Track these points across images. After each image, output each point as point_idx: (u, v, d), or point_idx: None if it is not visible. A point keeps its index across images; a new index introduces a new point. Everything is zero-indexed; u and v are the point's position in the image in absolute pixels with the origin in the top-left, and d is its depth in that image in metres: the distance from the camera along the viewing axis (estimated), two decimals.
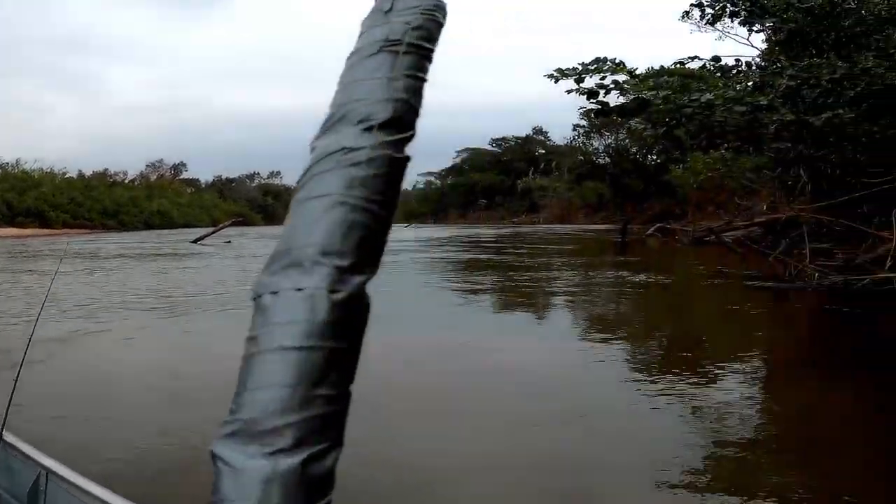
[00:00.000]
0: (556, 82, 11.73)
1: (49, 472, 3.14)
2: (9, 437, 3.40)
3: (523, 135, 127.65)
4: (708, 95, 11.81)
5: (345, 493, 0.75)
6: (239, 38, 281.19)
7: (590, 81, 11.64)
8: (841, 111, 11.63)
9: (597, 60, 11.72)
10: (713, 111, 11.63)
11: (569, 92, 11.71)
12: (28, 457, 3.28)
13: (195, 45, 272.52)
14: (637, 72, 11.88)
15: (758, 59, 17.54)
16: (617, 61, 11.74)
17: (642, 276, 24.07)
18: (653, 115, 12.03)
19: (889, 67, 11.90)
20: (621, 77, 11.77)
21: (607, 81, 11.70)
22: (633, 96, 11.73)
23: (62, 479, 3.06)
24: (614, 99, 11.92)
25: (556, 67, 11.77)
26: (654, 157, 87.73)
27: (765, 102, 11.82)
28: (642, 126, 14.02)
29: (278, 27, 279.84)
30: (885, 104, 11.83)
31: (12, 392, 3.42)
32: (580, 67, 11.69)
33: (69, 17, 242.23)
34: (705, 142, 11.80)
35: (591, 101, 11.71)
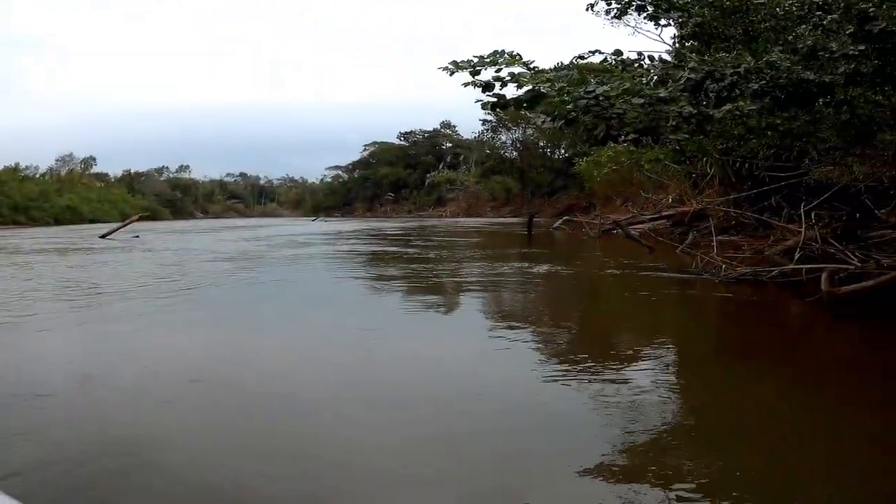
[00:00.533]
0: (451, 75, 11.58)
1: None
2: None
3: (431, 129, 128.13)
4: (604, 87, 11.73)
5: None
6: (148, 31, 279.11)
7: (487, 74, 11.45)
8: (742, 103, 11.65)
9: (493, 53, 11.60)
10: (611, 103, 11.53)
11: (465, 85, 11.52)
12: None
13: (106, 39, 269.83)
14: (533, 64, 11.73)
15: (664, 55, 17.52)
16: (514, 54, 11.61)
17: (547, 267, 24.08)
18: (549, 108, 11.89)
19: (796, 62, 11.95)
20: (517, 69, 11.61)
21: (503, 74, 11.52)
22: (529, 88, 11.59)
23: None
24: (512, 91, 11.77)
25: (451, 60, 11.59)
26: (562, 152, 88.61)
27: (664, 95, 11.78)
28: (541, 119, 13.91)
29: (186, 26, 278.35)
30: (790, 97, 11.85)
31: None
32: (475, 60, 11.52)
33: None
34: (602, 134, 11.62)
35: (487, 93, 11.53)
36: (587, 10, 17.75)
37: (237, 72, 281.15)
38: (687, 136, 12.41)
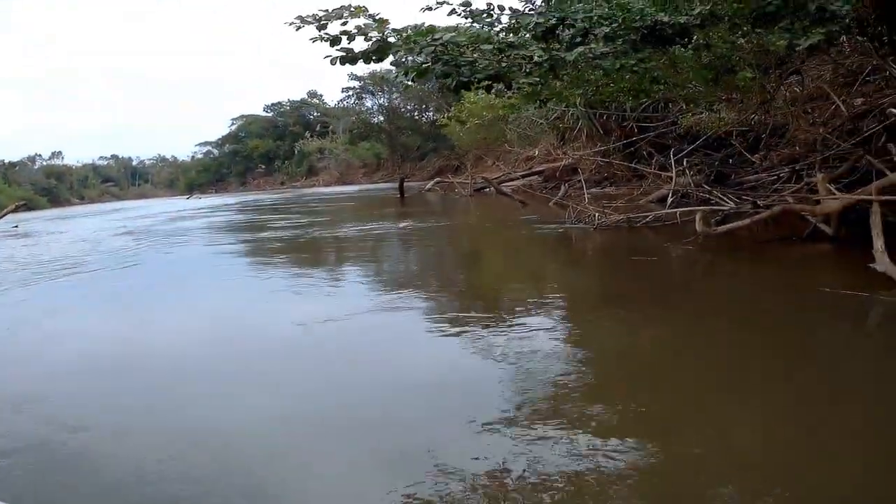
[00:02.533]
0: (297, 30, 11.34)
1: None
2: None
3: (298, 99, 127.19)
4: (451, 34, 11.65)
5: None
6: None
7: (335, 29, 11.26)
8: (594, 45, 11.64)
9: (339, 7, 11.40)
10: (460, 52, 11.45)
11: (313, 40, 11.32)
12: None
13: None
14: (379, 16, 11.57)
15: (517, 4, 17.50)
16: (359, 6, 11.43)
17: (422, 227, 24.19)
18: (396, 57, 11.78)
19: (650, 4, 11.99)
20: (363, 21, 11.44)
21: (350, 27, 11.34)
22: (376, 40, 11.43)
23: None
24: (361, 45, 11.61)
25: (297, 15, 11.38)
26: (430, 115, 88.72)
27: (514, 40, 11.75)
28: (394, 73, 13.79)
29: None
30: (644, 39, 11.86)
31: None
32: (321, 14, 11.31)
33: None
34: (454, 83, 11.52)
35: (335, 48, 11.34)
36: None
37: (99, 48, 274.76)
38: (539, 80, 12.33)
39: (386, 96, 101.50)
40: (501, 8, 12.81)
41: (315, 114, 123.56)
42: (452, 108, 53.36)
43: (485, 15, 12.64)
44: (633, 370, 7.25)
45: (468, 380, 7.19)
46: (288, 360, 8.46)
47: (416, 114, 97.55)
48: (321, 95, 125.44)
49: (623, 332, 8.83)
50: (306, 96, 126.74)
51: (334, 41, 11.31)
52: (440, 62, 11.43)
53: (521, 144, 42.30)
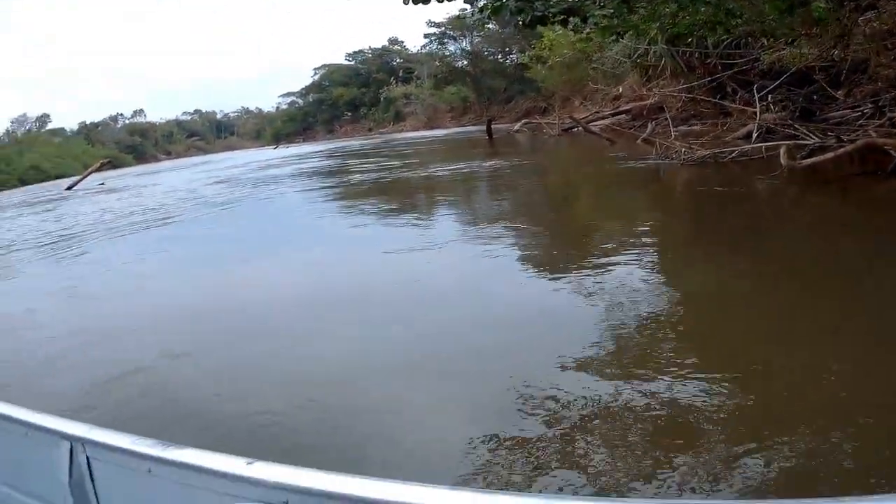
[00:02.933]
0: None
1: (85, 442, 2.47)
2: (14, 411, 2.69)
3: (380, 46, 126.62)
4: None
5: None
6: None
7: None
8: None
9: None
10: None
11: None
12: (54, 432, 2.55)
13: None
14: None
15: None
16: None
17: (511, 167, 24.36)
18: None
19: None
20: None
21: None
22: None
23: (104, 446, 2.42)
24: None
25: None
26: (514, 57, 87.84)
27: None
28: (470, 13, 13.95)
29: None
30: None
31: None
32: None
33: None
34: (529, 18, 11.73)
35: None
36: None
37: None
38: (613, 12, 12.50)
39: (468, 40, 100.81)
40: None
41: (398, 60, 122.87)
42: (534, 48, 53.14)
43: None
44: (714, 311, 7.43)
45: (557, 315, 7.59)
46: (382, 297, 9.07)
47: (499, 56, 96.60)
48: (402, 42, 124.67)
49: (709, 271, 9.04)
50: (387, 43, 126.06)
51: None
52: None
53: (607, 83, 42.16)
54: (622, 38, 24.25)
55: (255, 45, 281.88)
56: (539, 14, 11.76)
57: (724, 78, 24.87)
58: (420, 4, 11.93)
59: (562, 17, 12.13)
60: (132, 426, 2.41)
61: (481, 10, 12.42)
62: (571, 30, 16.59)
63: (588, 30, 15.89)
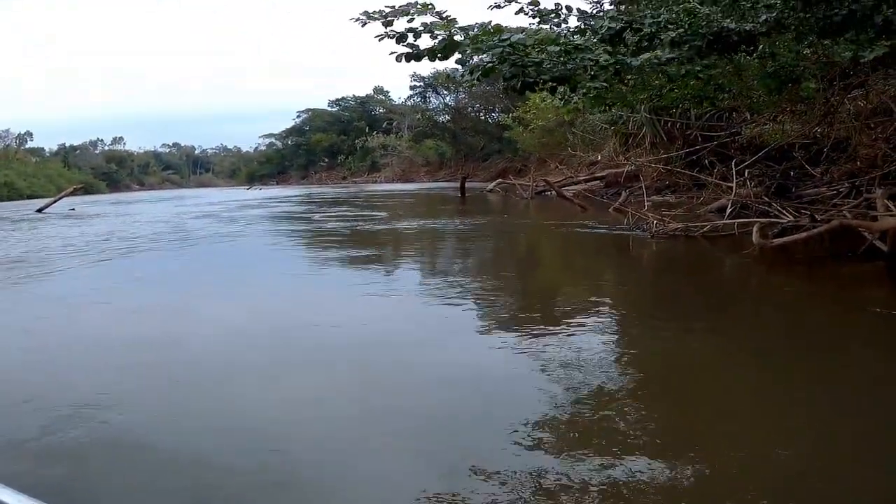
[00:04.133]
0: (363, 25, 11.42)
1: None
2: None
3: (364, 94, 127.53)
4: (519, 35, 11.71)
5: None
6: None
7: (401, 26, 11.31)
8: (660, 52, 11.65)
9: (405, 4, 11.44)
10: (527, 52, 11.49)
11: (379, 38, 11.36)
12: None
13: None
14: (446, 14, 11.60)
15: (584, 6, 17.51)
16: (426, 3, 11.45)
17: (481, 228, 24.31)
18: (463, 57, 11.82)
19: (716, 10, 11.99)
20: (430, 19, 11.47)
21: (416, 24, 11.38)
22: (443, 38, 11.47)
23: None
24: (426, 42, 11.64)
25: (363, 11, 11.42)
26: (495, 116, 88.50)
27: (581, 43, 11.76)
28: (460, 73, 13.88)
29: None
30: (710, 45, 11.86)
31: None
32: (388, 10, 11.36)
33: None
34: (519, 84, 11.56)
35: (401, 44, 11.39)
36: None
37: (170, 47, 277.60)
38: (604, 84, 12.32)
39: (451, 95, 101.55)
40: (569, 9, 12.83)
41: (381, 110, 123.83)
42: (518, 110, 53.38)
43: (552, 16, 12.66)
44: (673, 382, 7.27)
45: (510, 381, 7.25)
46: (334, 351, 8.59)
47: (481, 114, 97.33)
48: (388, 92, 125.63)
49: (669, 342, 8.80)
50: (372, 92, 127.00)
51: (400, 38, 11.39)
52: (507, 62, 11.48)
53: (585, 149, 42.20)
54: (611, 109, 24.31)
55: (256, 45, 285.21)
56: (530, 80, 11.55)
57: (704, 151, 24.75)
58: (412, 61, 11.70)
59: (552, 84, 11.91)
60: None
61: (471, 71, 12.20)
62: (560, 99, 16.50)
63: (576, 99, 15.82)
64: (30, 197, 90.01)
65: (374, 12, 11.28)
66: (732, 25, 11.69)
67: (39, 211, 43.98)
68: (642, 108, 25.96)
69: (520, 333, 9.07)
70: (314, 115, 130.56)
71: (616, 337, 9.21)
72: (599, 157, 39.79)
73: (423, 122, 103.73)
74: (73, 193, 56.02)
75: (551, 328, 9.36)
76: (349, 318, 10.46)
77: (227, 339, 9.28)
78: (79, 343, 9.37)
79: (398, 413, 6.46)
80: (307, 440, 5.95)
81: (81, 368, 7.97)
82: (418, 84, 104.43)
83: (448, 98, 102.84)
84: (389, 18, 11.25)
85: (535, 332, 9.03)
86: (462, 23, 11.76)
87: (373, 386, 7.22)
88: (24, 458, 5.46)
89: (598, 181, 36.35)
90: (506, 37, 11.58)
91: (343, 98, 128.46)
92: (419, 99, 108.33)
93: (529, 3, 12.36)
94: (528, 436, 5.66)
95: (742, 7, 11.97)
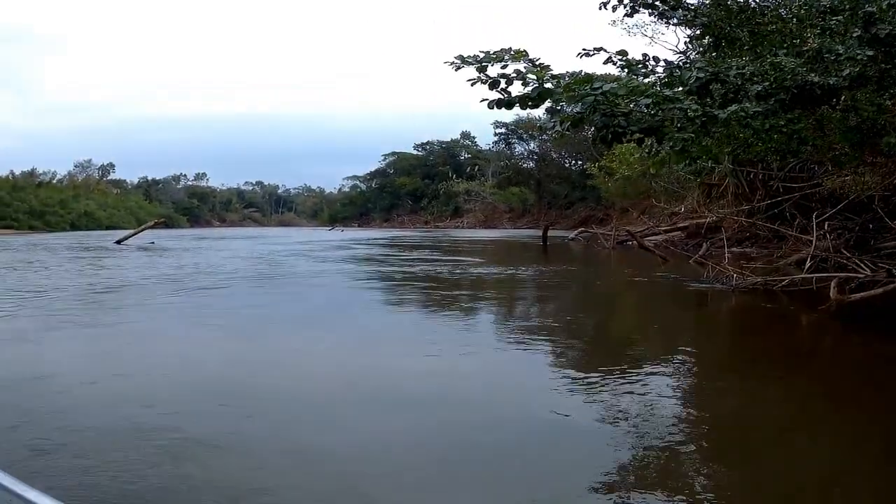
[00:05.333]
0: (456, 70, 11.38)
1: None
2: None
3: (450, 139, 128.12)
4: (611, 85, 11.72)
5: None
6: (173, 40, 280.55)
7: (493, 72, 11.36)
8: (748, 105, 11.63)
9: (499, 50, 11.50)
10: (617, 102, 11.52)
11: (471, 83, 11.41)
12: None
13: (131, 44, 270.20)
14: (539, 61, 11.66)
15: (672, 59, 17.56)
16: (520, 50, 11.52)
17: (562, 278, 24.19)
18: (555, 105, 11.85)
19: (801, 64, 11.97)
20: (523, 66, 11.53)
21: (509, 71, 11.43)
22: (535, 86, 11.52)
23: None
24: (518, 90, 11.68)
25: (457, 55, 11.47)
26: (579, 163, 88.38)
27: (670, 94, 11.75)
28: (550, 122, 13.89)
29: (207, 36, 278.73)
30: (794, 99, 11.85)
31: None
32: (482, 55, 11.42)
33: (8, 6, 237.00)
34: (610, 135, 11.57)
35: (494, 90, 11.45)
36: (600, 8, 17.64)
37: (258, 81, 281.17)
38: (692, 135, 12.34)
39: (536, 142, 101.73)
40: (657, 59, 12.92)
41: (466, 155, 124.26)
42: (603, 159, 53.37)
43: (640, 66, 12.74)
44: (744, 441, 7.06)
45: (581, 434, 7.12)
46: (415, 392, 8.62)
47: (565, 161, 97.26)
48: (474, 137, 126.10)
49: (741, 400, 8.63)
50: (459, 137, 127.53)
51: (493, 84, 11.47)
52: (598, 112, 11.52)
53: (668, 199, 42.06)
54: (696, 162, 24.22)
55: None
56: (620, 131, 11.59)
57: (785, 203, 24.60)
58: (503, 108, 11.76)
59: (639, 135, 11.97)
60: None
61: (561, 121, 12.31)
62: (647, 151, 16.51)
63: (663, 151, 15.81)
64: (108, 227, 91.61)
65: (469, 57, 11.34)
66: (816, 79, 11.69)
67: (119, 242, 44.84)
68: (726, 159, 25.88)
69: (594, 383, 8.93)
70: (399, 158, 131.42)
71: (689, 391, 9.10)
72: (683, 209, 39.66)
73: (509, 168, 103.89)
74: (154, 226, 56.93)
75: (625, 379, 9.19)
76: (433, 361, 10.52)
77: (329, 383, 9.27)
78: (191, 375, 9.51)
79: (470, 451, 6.49)
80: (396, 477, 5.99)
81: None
82: (502, 130, 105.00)
83: (532, 144, 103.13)
84: (483, 64, 11.34)
85: (608, 382, 8.89)
86: (552, 70, 11.83)
87: (444, 430, 7.20)
88: None
89: (679, 231, 36.21)
90: (598, 86, 11.61)
91: (428, 142, 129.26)
92: (503, 145, 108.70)
93: (617, 53, 12.45)
94: (594, 483, 5.63)
95: (826, 60, 11.98)
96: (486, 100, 11.52)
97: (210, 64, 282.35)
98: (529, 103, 11.69)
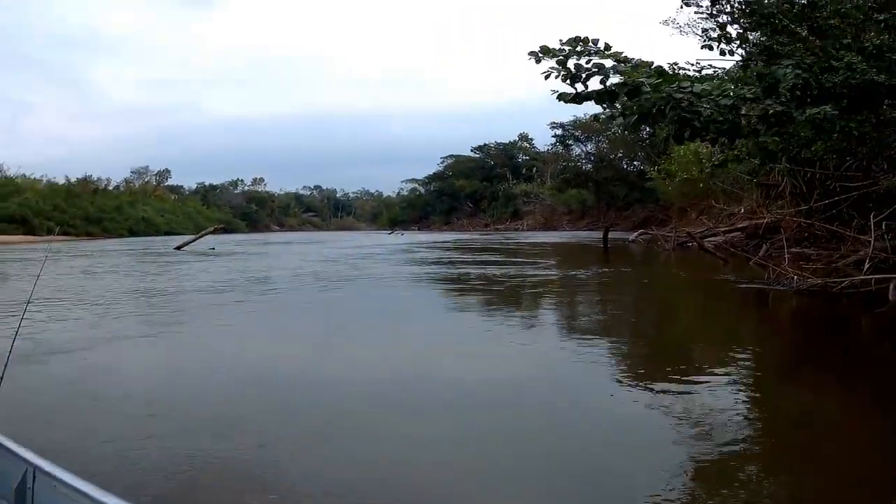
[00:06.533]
0: (537, 62, 11.45)
1: (36, 469, 3.02)
2: None
3: (507, 141, 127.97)
4: (702, 86, 11.83)
5: None
6: (230, 42, 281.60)
7: (571, 65, 11.47)
8: (827, 108, 11.67)
9: (584, 41, 11.55)
10: (700, 102, 11.63)
11: (546, 76, 11.50)
12: (14, 454, 3.15)
13: (188, 46, 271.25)
14: (636, 59, 11.79)
15: (739, 61, 17.65)
16: (606, 45, 11.60)
17: (624, 279, 24.36)
18: (640, 102, 11.91)
19: (861, 61, 12.02)
20: (608, 62, 11.62)
21: (589, 65, 11.53)
22: (618, 82, 11.63)
23: (51, 476, 2.94)
24: (593, 85, 11.77)
25: (541, 45, 11.52)
26: (637, 164, 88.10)
27: (750, 95, 11.85)
28: (614, 117, 13.80)
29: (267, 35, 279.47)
30: (862, 99, 11.95)
31: None
32: (567, 49, 11.48)
33: (67, 13, 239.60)
34: (688, 134, 11.68)
35: (570, 83, 11.56)
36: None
37: (313, 83, 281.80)
38: (775, 138, 12.42)
39: (593, 143, 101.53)
40: (731, 51, 13.06)
41: (523, 157, 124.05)
42: (662, 161, 53.20)
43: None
44: (804, 444, 7.15)
45: (645, 436, 7.28)
46: (479, 394, 8.85)
47: (623, 163, 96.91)
48: (531, 139, 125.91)
49: (800, 401, 8.78)
50: (517, 139, 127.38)
51: (574, 78, 11.55)
52: (677, 110, 11.60)
53: (726, 199, 41.94)
54: (770, 164, 24.19)
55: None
56: (698, 126, 11.73)
57: (842, 203, 24.57)
58: (574, 103, 11.93)
59: (713, 136, 12.14)
60: None
61: (626, 114, 12.40)
62: (720, 150, 16.58)
63: (730, 152, 15.78)
64: (167, 233, 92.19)
65: (553, 48, 11.41)
66: (882, 79, 11.74)
67: (178, 248, 45.78)
68: (783, 159, 25.87)
69: (653, 385, 9.15)
70: (457, 160, 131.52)
71: (748, 393, 9.15)
72: (742, 210, 39.53)
73: (567, 170, 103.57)
74: (214, 232, 57.51)
75: (685, 381, 9.39)
76: (499, 361, 10.87)
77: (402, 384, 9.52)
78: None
79: (539, 457, 6.62)
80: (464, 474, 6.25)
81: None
82: (558, 131, 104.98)
83: (589, 146, 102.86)
84: (566, 57, 11.41)
85: (668, 385, 9.14)
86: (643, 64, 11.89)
87: (512, 430, 7.39)
88: None
89: (738, 232, 36.16)
90: (686, 85, 11.74)
91: (486, 144, 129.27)
92: (560, 146, 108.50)
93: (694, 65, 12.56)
94: (656, 488, 5.74)
95: (888, 59, 12.02)
96: (558, 92, 11.63)
97: (265, 67, 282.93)
98: (606, 99, 11.84)
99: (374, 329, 14.07)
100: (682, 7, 17.93)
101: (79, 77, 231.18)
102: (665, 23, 35.14)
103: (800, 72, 11.99)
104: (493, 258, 34.85)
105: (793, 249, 23.99)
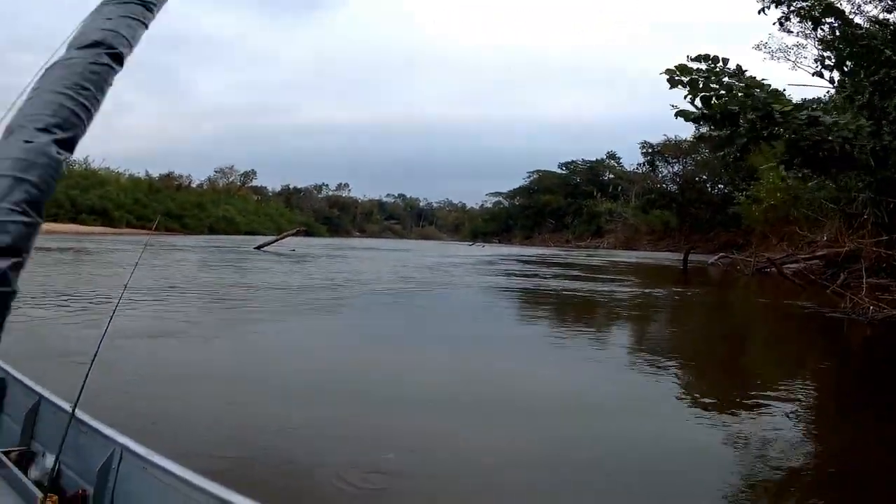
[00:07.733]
0: (671, 86, 11.61)
1: (123, 448, 3.15)
2: (81, 415, 3.37)
3: (594, 159, 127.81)
4: (829, 118, 11.76)
5: None
6: (334, 47, 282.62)
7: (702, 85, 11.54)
8: None
9: (714, 60, 11.59)
10: (830, 130, 11.62)
11: (671, 85, 11.53)
12: (101, 434, 3.30)
13: (285, 52, 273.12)
14: (771, 87, 11.82)
15: (832, 92, 17.62)
16: (739, 67, 11.66)
17: (701, 302, 24.38)
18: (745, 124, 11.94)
19: None
20: (739, 84, 11.68)
21: (718, 87, 11.60)
22: (749, 106, 11.66)
23: (136, 455, 3.07)
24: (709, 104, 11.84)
25: (679, 64, 11.55)
26: (721, 187, 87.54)
27: (869, 129, 11.79)
28: (722, 135, 13.70)
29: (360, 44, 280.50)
30: None
31: (88, 369, 3.24)
32: (704, 70, 11.52)
33: (165, 13, 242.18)
34: (803, 164, 11.73)
35: (703, 104, 11.64)
36: (759, 13, 17.77)
37: (402, 92, 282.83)
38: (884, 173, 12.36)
39: (680, 165, 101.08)
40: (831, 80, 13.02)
41: (609, 175, 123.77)
42: (751, 187, 52.88)
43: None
44: (867, 477, 6.88)
45: (709, 458, 7.18)
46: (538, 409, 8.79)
47: (708, 185, 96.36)
48: (619, 158, 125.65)
49: (865, 433, 8.51)
50: (604, 157, 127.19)
51: (706, 102, 11.64)
52: (806, 141, 11.59)
53: (808, 226, 41.70)
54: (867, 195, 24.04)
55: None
56: (820, 157, 11.75)
57: None
58: (696, 122, 12.03)
59: (833, 168, 12.13)
60: None
61: (743, 145, 12.39)
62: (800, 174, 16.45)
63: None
64: (247, 233, 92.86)
65: (687, 68, 11.44)
66: None
67: (259, 248, 46.53)
68: (866, 188, 25.76)
69: (716, 408, 9.07)
70: (543, 176, 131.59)
71: (812, 421, 9.10)
72: (824, 237, 39.29)
73: (652, 191, 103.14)
74: (295, 234, 58.53)
75: (748, 407, 9.22)
76: (558, 383, 10.71)
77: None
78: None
79: (601, 469, 6.65)
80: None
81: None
82: (648, 151, 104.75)
83: (676, 167, 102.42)
84: (698, 79, 11.44)
85: (731, 409, 9.01)
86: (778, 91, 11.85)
87: (567, 447, 7.27)
88: None
89: (817, 260, 35.98)
90: (816, 115, 11.72)
91: (573, 161, 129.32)
92: (648, 167, 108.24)
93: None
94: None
95: None
96: (678, 108, 11.68)
97: (352, 72, 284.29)
98: (728, 122, 11.92)
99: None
100: (778, 28, 17.83)
101: (179, 79, 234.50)
102: (757, 47, 35.29)
103: None
104: (582, 274, 34.90)
105: (871, 280, 23.88)
